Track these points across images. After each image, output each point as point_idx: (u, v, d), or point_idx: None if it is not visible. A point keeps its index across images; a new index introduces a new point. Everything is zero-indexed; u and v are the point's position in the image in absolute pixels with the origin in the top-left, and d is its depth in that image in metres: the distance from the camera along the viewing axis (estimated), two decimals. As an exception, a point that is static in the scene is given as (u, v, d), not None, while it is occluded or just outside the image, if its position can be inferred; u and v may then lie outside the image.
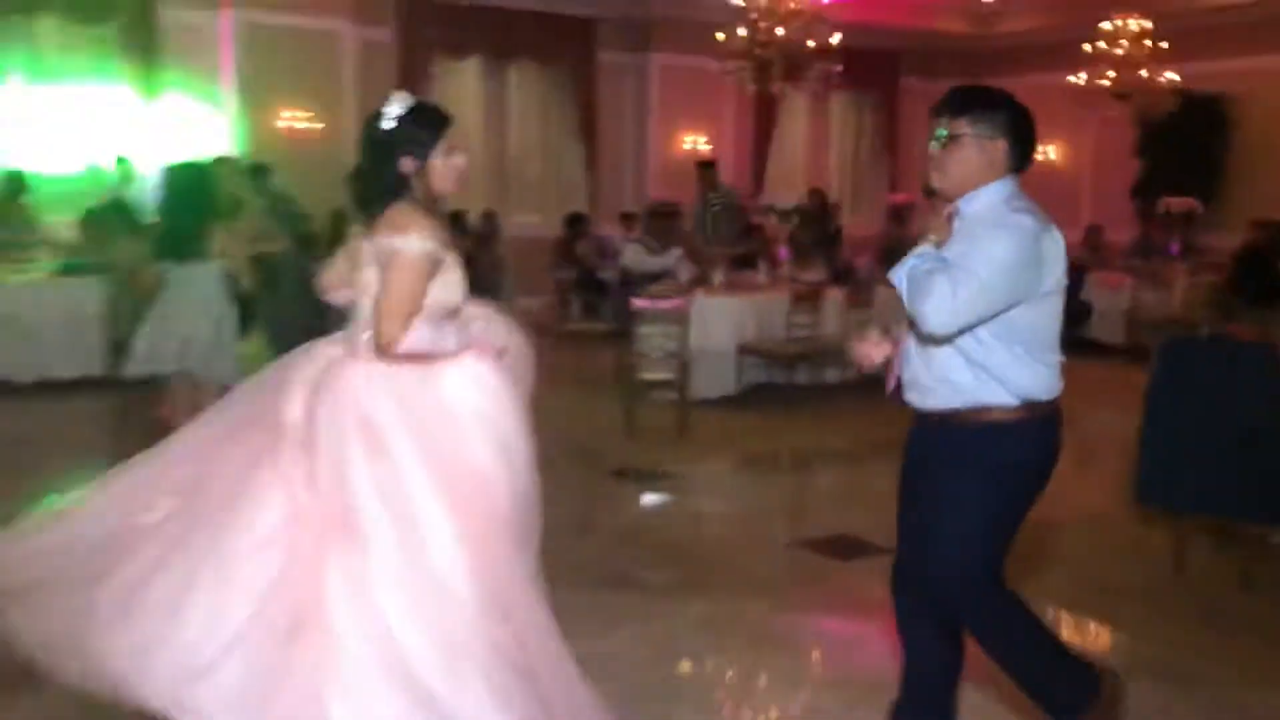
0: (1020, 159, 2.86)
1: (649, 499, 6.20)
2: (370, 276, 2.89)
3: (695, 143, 14.76)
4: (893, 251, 10.01)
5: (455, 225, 11.54)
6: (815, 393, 8.57)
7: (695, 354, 7.78)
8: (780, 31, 10.31)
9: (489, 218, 12.27)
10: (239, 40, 11.75)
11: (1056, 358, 2.89)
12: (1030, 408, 2.82)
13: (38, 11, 11.07)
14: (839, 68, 10.83)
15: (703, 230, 10.27)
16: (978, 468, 2.84)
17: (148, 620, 2.64)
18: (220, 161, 6.33)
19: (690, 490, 6.39)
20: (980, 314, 2.69)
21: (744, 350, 8.36)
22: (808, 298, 8.34)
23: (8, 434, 7.34)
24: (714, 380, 8.30)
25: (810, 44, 10.63)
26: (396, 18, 12.87)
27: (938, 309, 2.64)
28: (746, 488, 6.68)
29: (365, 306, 2.90)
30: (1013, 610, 2.94)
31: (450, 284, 2.90)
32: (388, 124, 2.93)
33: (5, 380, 8.26)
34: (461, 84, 13.80)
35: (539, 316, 10.54)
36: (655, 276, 8.86)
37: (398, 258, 2.80)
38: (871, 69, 15.66)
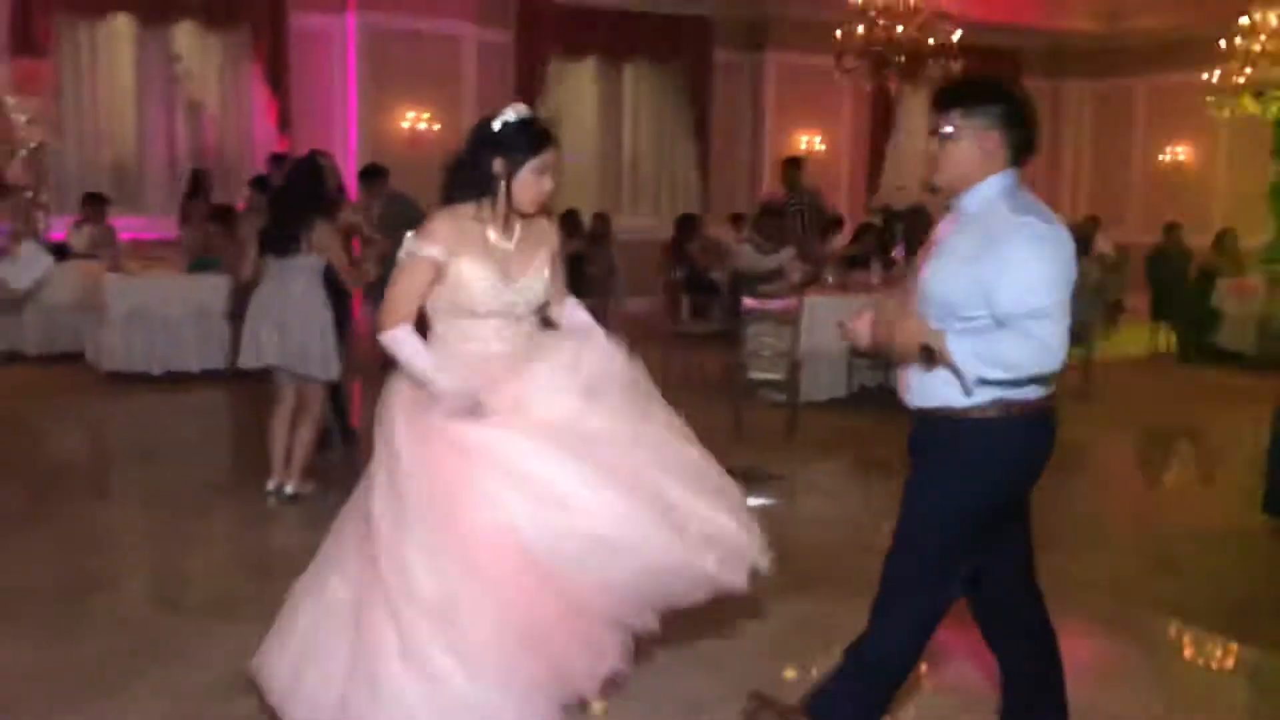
0: (1019, 151, 2.77)
1: (756, 500, 6.16)
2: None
3: (810, 142, 14.65)
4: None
5: (567, 226, 11.65)
6: (929, 396, 8.42)
7: (805, 355, 7.72)
8: (900, 29, 10.16)
9: (601, 219, 12.37)
10: (362, 43, 12.07)
11: None
12: (1008, 406, 2.74)
13: (174, 18, 11.53)
14: (959, 64, 10.62)
15: (791, 231, 10.11)
16: (955, 461, 2.83)
17: None
18: (322, 155, 6.44)
19: (798, 492, 6.36)
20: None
21: (855, 352, 8.26)
22: (923, 299, 8.20)
23: (142, 423, 7.68)
24: (824, 382, 8.23)
25: (930, 41, 10.47)
26: (515, 20, 13.05)
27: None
28: (855, 492, 6.61)
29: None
30: (906, 647, 2.98)
31: (465, 287, 3.04)
32: (497, 125, 3.06)
33: (141, 372, 8.62)
34: (577, 84, 13.95)
35: (649, 317, 10.60)
36: (767, 277, 8.80)
37: (407, 258, 3.07)
38: (993, 67, 15.31)
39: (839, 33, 10.73)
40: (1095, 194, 16.34)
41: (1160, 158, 15.81)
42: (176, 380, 8.59)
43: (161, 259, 9.42)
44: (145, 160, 11.69)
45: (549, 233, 3.27)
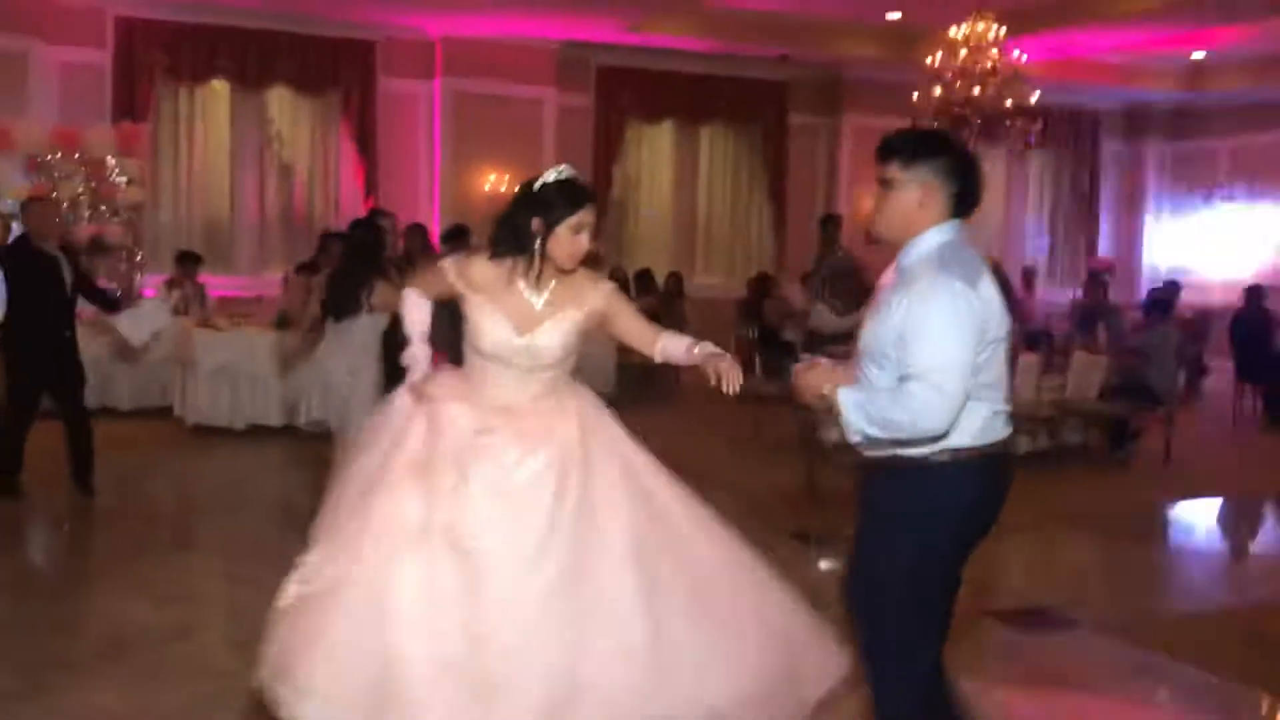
0: (960, 205, 2.78)
1: (828, 563, 6.12)
2: None
3: (886, 204, 14.66)
4: (1091, 316, 9.71)
5: (641, 284, 11.78)
6: (1006, 460, 8.30)
7: (881, 416, 7.68)
8: (976, 90, 10.18)
9: (675, 278, 12.48)
10: (447, 107, 12.40)
11: (997, 406, 2.79)
12: (955, 452, 2.73)
13: (269, 84, 11.97)
14: (1039, 125, 10.60)
15: (818, 294, 9.89)
16: (901, 511, 2.81)
17: None
18: (383, 216, 6.60)
19: (873, 554, 6.29)
20: (967, 382, 2.64)
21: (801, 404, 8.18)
22: (1000, 361, 8.11)
23: (225, 475, 7.87)
24: (900, 443, 8.16)
25: (1008, 103, 10.46)
26: (595, 84, 13.32)
27: (942, 414, 2.62)
28: (931, 554, 6.53)
29: None
30: (917, 688, 2.87)
31: (476, 327, 3.19)
32: (537, 185, 3.18)
33: (225, 426, 8.85)
34: (654, 146, 14.15)
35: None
36: (842, 338, 8.78)
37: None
38: (1071, 129, 15.29)
39: (915, 95, 10.77)
40: (1174, 256, 16.09)
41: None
42: (258, 434, 8.79)
43: (249, 316, 9.68)
44: (236, 220, 12.09)
45: (593, 291, 3.27)
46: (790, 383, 2.90)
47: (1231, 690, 4.36)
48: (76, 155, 10.50)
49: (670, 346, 3.23)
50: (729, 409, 7.83)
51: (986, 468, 2.79)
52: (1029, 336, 9.22)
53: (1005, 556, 6.59)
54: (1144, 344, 9.08)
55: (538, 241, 3.14)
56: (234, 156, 12.07)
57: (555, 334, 3.19)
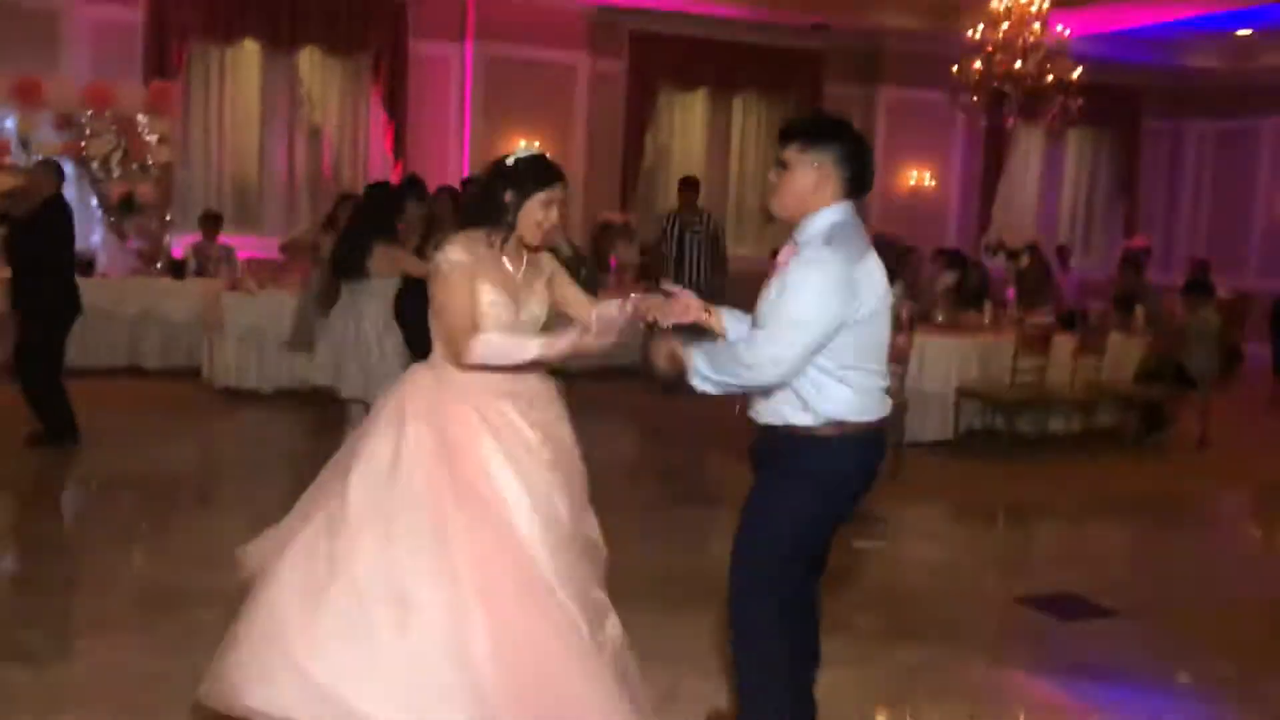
0: (852, 186, 2.94)
1: (860, 542, 6.06)
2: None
3: (921, 177, 14.48)
4: (1127, 298, 9.55)
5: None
6: (1037, 442, 8.21)
7: (911, 395, 7.60)
8: (1018, 65, 9.99)
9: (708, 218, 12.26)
10: (479, 71, 12.28)
11: (878, 381, 2.98)
12: (839, 426, 2.93)
13: (299, 44, 11.88)
14: (1079, 102, 10.40)
15: (670, 262, 10.00)
16: (788, 472, 3.00)
17: None
18: (411, 183, 6.58)
19: (903, 536, 6.22)
20: (807, 347, 2.83)
21: (964, 393, 8.10)
22: (1035, 342, 8.00)
23: (251, 438, 7.88)
24: (930, 423, 8.08)
25: (1049, 78, 10.26)
26: (628, 50, 13.16)
27: (773, 364, 2.84)
28: (962, 537, 6.45)
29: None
30: (773, 634, 3.08)
31: (481, 309, 3.18)
32: (510, 160, 3.27)
33: (252, 390, 8.84)
34: (687, 114, 13.99)
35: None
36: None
37: (447, 269, 3.17)
38: (1112, 106, 14.99)
39: (955, 68, 10.58)
40: (1214, 237, 15.82)
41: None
42: (287, 398, 8.76)
43: (277, 278, 9.63)
44: (265, 181, 12.03)
45: (546, 261, 3.40)
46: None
47: (1268, 684, 4.27)
48: (107, 113, 10.46)
49: (604, 309, 3.21)
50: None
51: (864, 442, 2.99)
52: (1063, 317, 9.07)
53: (1038, 541, 6.54)
54: (1182, 327, 8.93)
55: (511, 214, 3.20)
56: (264, 117, 11.99)
57: (540, 303, 3.32)
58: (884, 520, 6.32)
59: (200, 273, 10.16)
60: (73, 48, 11.03)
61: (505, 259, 3.25)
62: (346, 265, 5.77)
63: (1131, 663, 4.46)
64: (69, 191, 10.30)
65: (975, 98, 10.49)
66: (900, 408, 7.24)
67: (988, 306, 8.85)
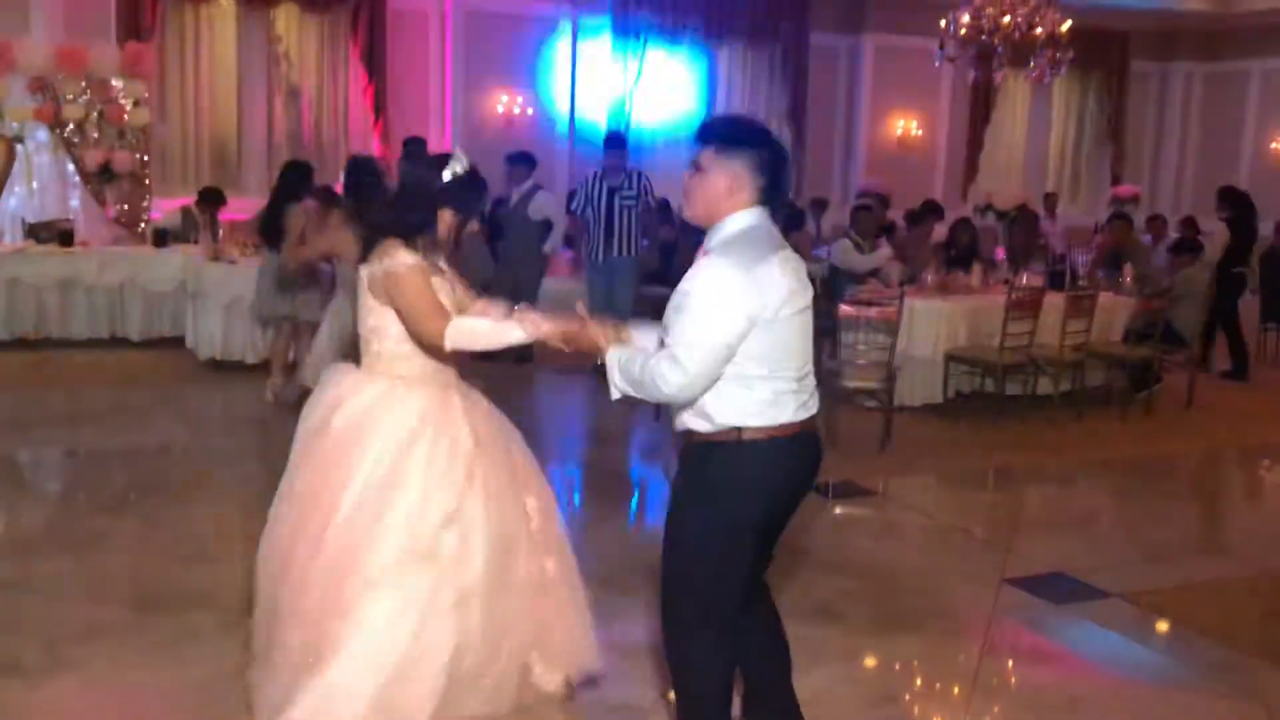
0: (767, 194, 2.87)
1: (849, 518, 6.08)
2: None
3: (907, 127, 14.37)
4: (1115, 256, 9.51)
5: (660, 214, 11.55)
6: (1027, 404, 8.22)
7: (901, 358, 7.57)
8: (1006, 20, 9.85)
9: None
10: (458, 25, 12.08)
11: (783, 385, 2.85)
12: (740, 432, 2.84)
13: (275, 1, 11.65)
14: (1069, 55, 10.28)
15: (597, 234, 8.94)
16: (692, 483, 2.93)
17: None
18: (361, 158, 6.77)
19: (893, 510, 6.24)
20: (716, 363, 2.76)
21: (953, 358, 8.09)
22: (1026, 304, 7.97)
23: (239, 413, 7.83)
24: (919, 387, 8.08)
25: (1038, 31, 10.13)
26: (611, 1, 12.95)
27: (679, 388, 2.76)
28: (953, 509, 6.45)
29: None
30: (712, 669, 2.99)
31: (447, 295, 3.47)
32: (447, 177, 3.41)
33: (238, 360, 8.77)
34: (672, 66, 13.81)
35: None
36: (863, 278, 8.62)
37: (405, 271, 3.33)
38: (1099, 50, 14.88)
39: (943, 21, 10.44)
40: (1200, 184, 15.77)
41: (1273, 146, 15.21)
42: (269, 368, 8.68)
43: (259, 245, 9.50)
44: (244, 142, 11.86)
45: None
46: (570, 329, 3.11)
47: (1257, 667, 4.31)
48: (81, 77, 10.26)
49: (487, 313, 3.40)
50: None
51: (777, 449, 2.87)
52: (1053, 276, 9.04)
53: (1028, 512, 6.55)
54: (1171, 285, 8.91)
55: (438, 226, 3.42)
56: (241, 77, 11.80)
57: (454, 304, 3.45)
58: (874, 493, 6.35)
59: (183, 239, 10.02)
60: (43, 9, 10.79)
61: (441, 264, 3.49)
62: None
63: (1125, 650, 4.48)
64: (44, 157, 10.21)
65: (962, 51, 10.33)
66: (891, 376, 7.23)
67: (976, 268, 8.81)
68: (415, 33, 12.12)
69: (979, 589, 5.01)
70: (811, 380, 2.96)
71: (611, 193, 8.88)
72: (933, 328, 8.05)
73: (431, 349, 3.38)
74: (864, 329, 7.21)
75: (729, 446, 2.85)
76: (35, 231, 9.87)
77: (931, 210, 10.65)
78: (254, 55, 11.81)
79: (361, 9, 11.78)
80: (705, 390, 2.80)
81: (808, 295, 2.88)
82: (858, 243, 8.89)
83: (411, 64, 12.10)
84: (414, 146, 9.13)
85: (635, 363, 2.84)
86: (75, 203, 10.35)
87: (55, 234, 9.67)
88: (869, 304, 7.27)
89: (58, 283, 9.33)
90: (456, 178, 3.42)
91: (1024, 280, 8.47)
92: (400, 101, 11.99)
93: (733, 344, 2.75)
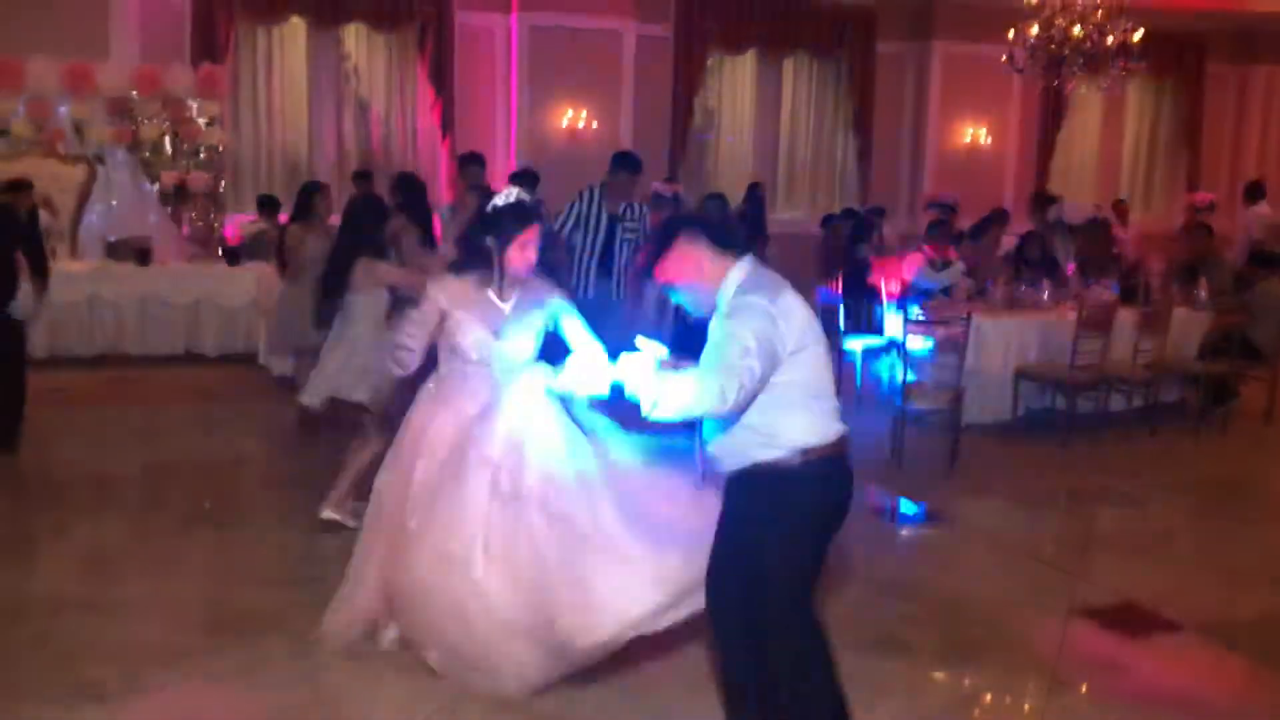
0: (724, 245, 3.20)
1: (914, 543, 6.02)
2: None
3: (976, 135, 14.19)
4: (1191, 269, 9.28)
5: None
6: (1099, 422, 8.07)
7: (969, 375, 7.47)
8: (1077, 30, 9.68)
9: (755, 189, 12.04)
10: (524, 41, 12.16)
11: (827, 404, 3.17)
12: (805, 453, 3.10)
13: (345, 20, 11.83)
14: (1141, 65, 10.07)
15: (585, 265, 7.59)
16: (762, 511, 3.14)
17: None
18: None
19: (960, 535, 6.15)
20: (754, 379, 2.93)
21: (1023, 375, 7.98)
22: (1097, 320, 7.83)
23: (313, 429, 7.93)
24: (988, 405, 7.96)
25: (1109, 40, 9.94)
26: (675, 14, 12.96)
27: (719, 393, 2.90)
28: (1021, 533, 6.32)
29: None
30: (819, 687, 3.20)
31: (460, 337, 4.07)
32: (489, 209, 3.99)
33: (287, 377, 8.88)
34: (735, 77, 13.79)
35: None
36: (933, 292, 8.51)
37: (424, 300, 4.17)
38: (1174, 53, 14.56)
39: (1011, 32, 10.27)
40: (1282, 187, 15.38)
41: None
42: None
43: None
44: (315, 160, 12.04)
45: (548, 295, 4.13)
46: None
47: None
48: (157, 98, 10.50)
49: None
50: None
51: (830, 463, 3.15)
52: (1125, 289, 8.86)
53: (1100, 537, 6.41)
54: (1248, 299, 8.70)
55: (495, 256, 3.98)
56: (311, 96, 11.99)
57: (527, 335, 4.07)
58: (940, 518, 6.27)
59: (254, 255, 10.21)
60: (122, 33, 11.05)
61: (493, 294, 4.06)
62: (331, 287, 5.68)
63: (1199, 690, 4.37)
64: (122, 177, 10.48)
65: (1031, 62, 10.15)
66: (958, 397, 7.14)
67: (1046, 282, 8.66)
68: (481, 49, 12.23)
69: (1048, 619, 4.93)
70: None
71: (612, 221, 7.53)
72: (1002, 345, 7.94)
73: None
74: (932, 350, 7.13)
75: (799, 470, 3.11)
76: (114, 249, 10.12)
77: (998, 220, 10.48)
78: (324, 73, 11.99)
79: (429, 26, 11.91)
80: (744, 404, 2.99)
81: (818, 325, 3.17)
82: (930, 259, 8.78)
83: (477, 80, 12.21)
84: (471, 163, 8.94)
85: (676, 377, 2.95)
86: (152, 220, 10.59)
87: (133, 252, 9.92)
88: (935, 324, 7.19)
89: (135, 300, 9.56)
90: (496, 208, 3.98)
91: (1095, 295, 8.30)
92: (466, 117, 12.11)
93: (773, 366, 2.99)
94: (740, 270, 3.16)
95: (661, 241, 3.23)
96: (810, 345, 3.10)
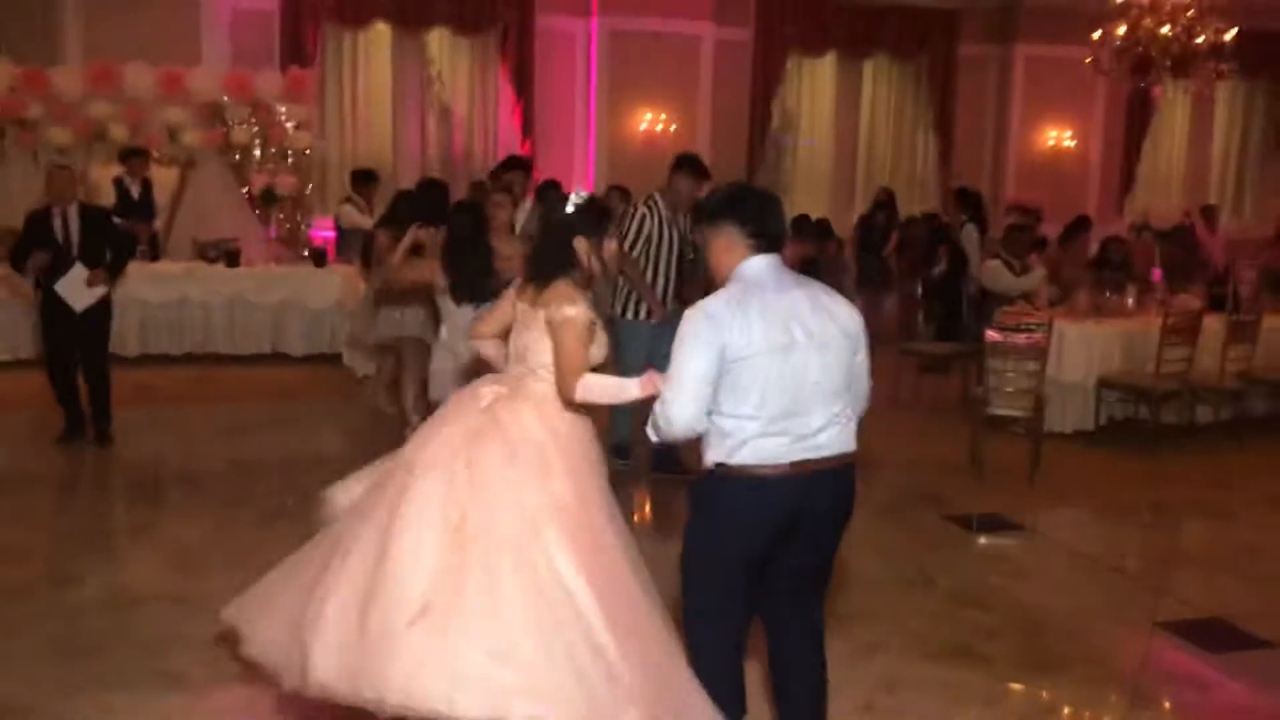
0: (761, 244, 3.21)
1: (994, 552, 5.93)
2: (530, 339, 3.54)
3: (1059, 138, 13.96)
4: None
5: (795, 228, 11.44)
6: (1184, 433, 7.89)
7: (1051, 383, 7.36)
8: (1165, 30, 9.47)
9: (822, 224, 12.08)
10: (604, 45, 12.24)
11: (762, 424, 3.06)
12: (727, 469, 3.10)
13: (429, 24, 12.01)
14: (1232, 66, 9.82)
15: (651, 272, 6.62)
16: (697, 511, 3.24)
17: None
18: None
19: (1039, 545, 6.06)
20: (698, 400, 3.05)
21: (1106, 383, 7.83)
22: (1183, 328, 7.66)
23: (394, 428, 8.05)
24: (1070, 413, 7.85)
25: (1199, 40, 9.71)
26: (754, 17, 12.94)
27: (662, 420, 3.10)
28: (1103, 544, 6.21)
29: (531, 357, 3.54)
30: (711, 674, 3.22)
31: (601, 345, 3.60)
32: (569, 210, 3.66)
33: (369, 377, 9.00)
34: (815, 80, 13.73)
35: (878, 326, 10.25)
36: (1014, 298, 8.37)
37: (568, 325, 3.43)
38: (1266, 53, 14.17)
39: (1098, 34, 10.08)
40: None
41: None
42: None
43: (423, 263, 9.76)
44: (399, 163, 12.24)
45: (575, 311, 3.50)
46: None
47: None
48: (247, 103, 10.76)
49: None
50: (884, 366, 7.62)
51: (752, 485, 3.09)
52: (1214, 296, 8.65)
53: (1184, 550, 6.27)
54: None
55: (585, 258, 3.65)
56: (395, 99, 12.20)
57: (537, 335, 3.55)
58: (1022, 528, 6.18)
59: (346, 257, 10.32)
60: (213, 39, 11.34)
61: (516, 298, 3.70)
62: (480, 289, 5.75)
63: (1285, 705, 4.28)
64: (212, 180, 10.74)
65: (1118, 64, 9.95)
66: (1039, 404, 7.03)
67: (1131, 289, 8.49)
68: (562, 52, 12.34)
69: (1129, 633, 4.84)
70: (816, 423, 3.10)
71: (679, 237, 6.62)
72: (1084, 352, 7.81)
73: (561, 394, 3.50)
74: (1012, 355, 7.03)
75: (714, 479, 3.17)
76: (204, 251, 10.37)
77: (1083, 226, 10.30)
78: (408, 77, 12.20)
79: (510, 30, 12.05)
80: (694, 423, 3.09)
81: (799, 337, 3.07)
82: (1009, 263, 8.65)
83: (558, 83, 12.32)
84: (549, 190, 9.01)
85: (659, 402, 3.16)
86: (241, 222, 10.83)
87: (222, 253, 10.15)
88: (1016, 329, 7.08)
89: (223, 300, 9.79)
90: (578, 208, 3.67)
91: (1181, 303, 8.12)
92: (547, 120, 12.22)
93: (712, 378, 3.05)
94: (748, 266, 3.21)
95: (716, 210, 3.28)
96: (759, 357, 3.05)
